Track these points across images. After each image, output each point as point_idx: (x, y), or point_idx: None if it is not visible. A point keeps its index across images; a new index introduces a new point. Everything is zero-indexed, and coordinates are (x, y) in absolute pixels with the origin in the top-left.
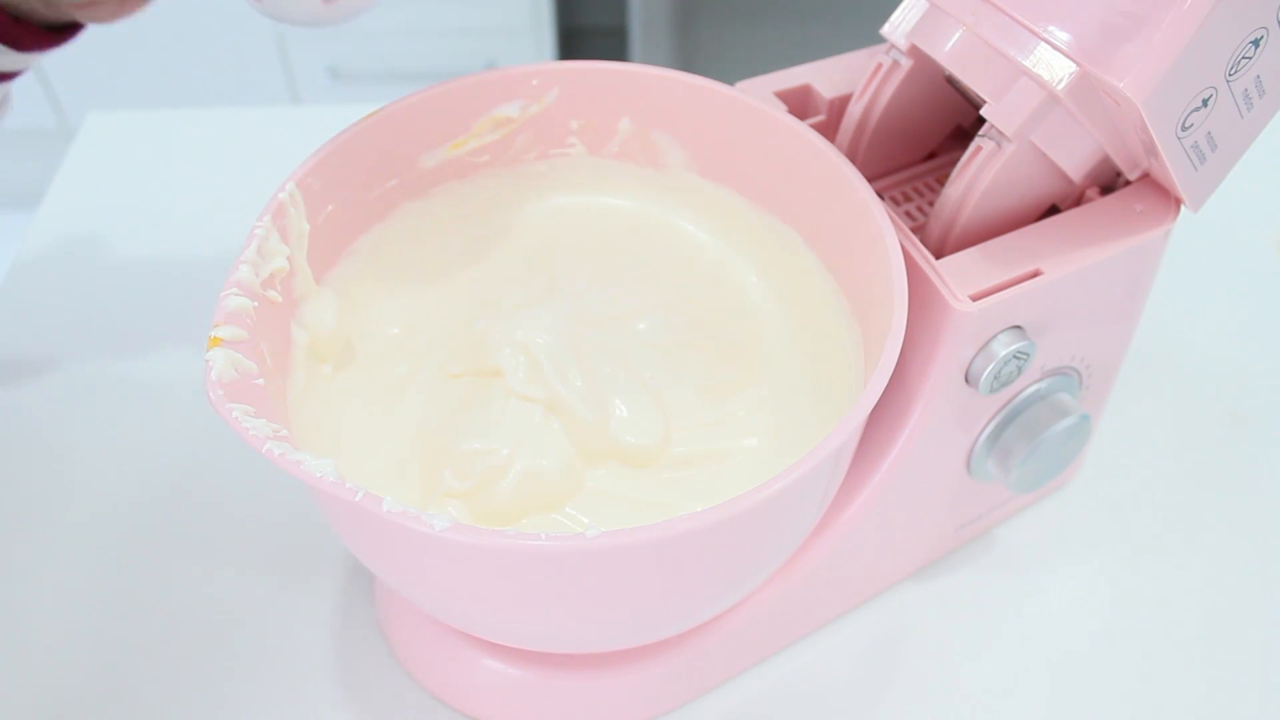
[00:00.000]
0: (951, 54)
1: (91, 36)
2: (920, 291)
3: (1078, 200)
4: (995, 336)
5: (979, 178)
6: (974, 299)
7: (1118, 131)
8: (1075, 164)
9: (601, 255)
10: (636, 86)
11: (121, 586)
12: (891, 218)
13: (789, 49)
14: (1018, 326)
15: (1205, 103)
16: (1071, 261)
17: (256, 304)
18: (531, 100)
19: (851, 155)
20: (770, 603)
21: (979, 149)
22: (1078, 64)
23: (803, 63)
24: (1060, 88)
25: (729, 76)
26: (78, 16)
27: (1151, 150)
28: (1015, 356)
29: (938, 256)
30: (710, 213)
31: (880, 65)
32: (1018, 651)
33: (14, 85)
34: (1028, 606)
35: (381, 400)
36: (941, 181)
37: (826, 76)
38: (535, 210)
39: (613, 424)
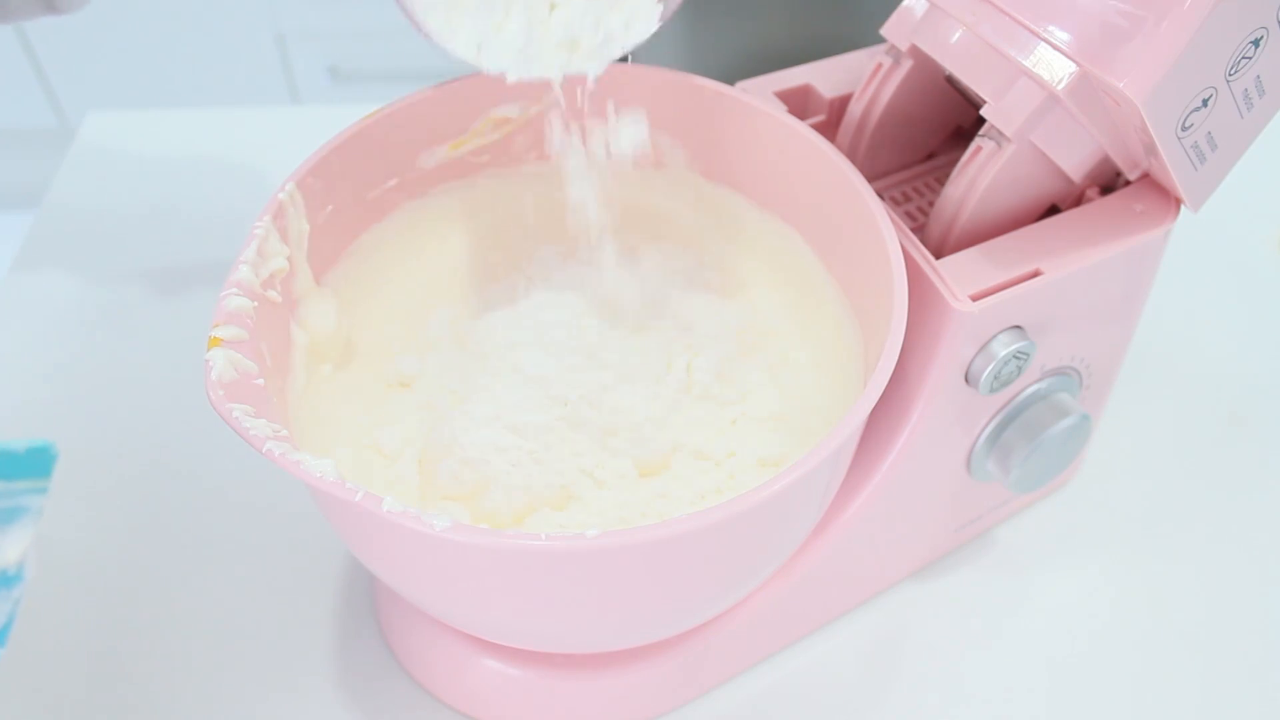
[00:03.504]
0: (951, 54)
1: (91, 36)
2: (920, 291)
3: (1078, 200)
4: (995, 336)
5: (979, 178)
6: (974, 299)
7: (1118, 131)
8: (1075, 164)
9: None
10: (636, 86)
11: (121, 586)
12: (891, 218)
13: (789, 49)
14: (1018, 326)
15: (1205, 103)
16: (1071, 261)
17: (256, 304)
18: (531, 100)
19: (851, 155)
20: (770, 603)
21: (979, 149)
22: (1078, 64)
23: (803, 63)
24: (1060, 88)
25: (729, 76)
26: None
27: (1151, 150)
28: (1015, 356)
29: (938, 256)
30: (710, 212)
31: (880, 65)
32: (1018, 651)
33: (13, 82)
34: (1028, 606)
35: (381, 400)
36: (941, 181)
37: (826, 76)
38: (535, 210)
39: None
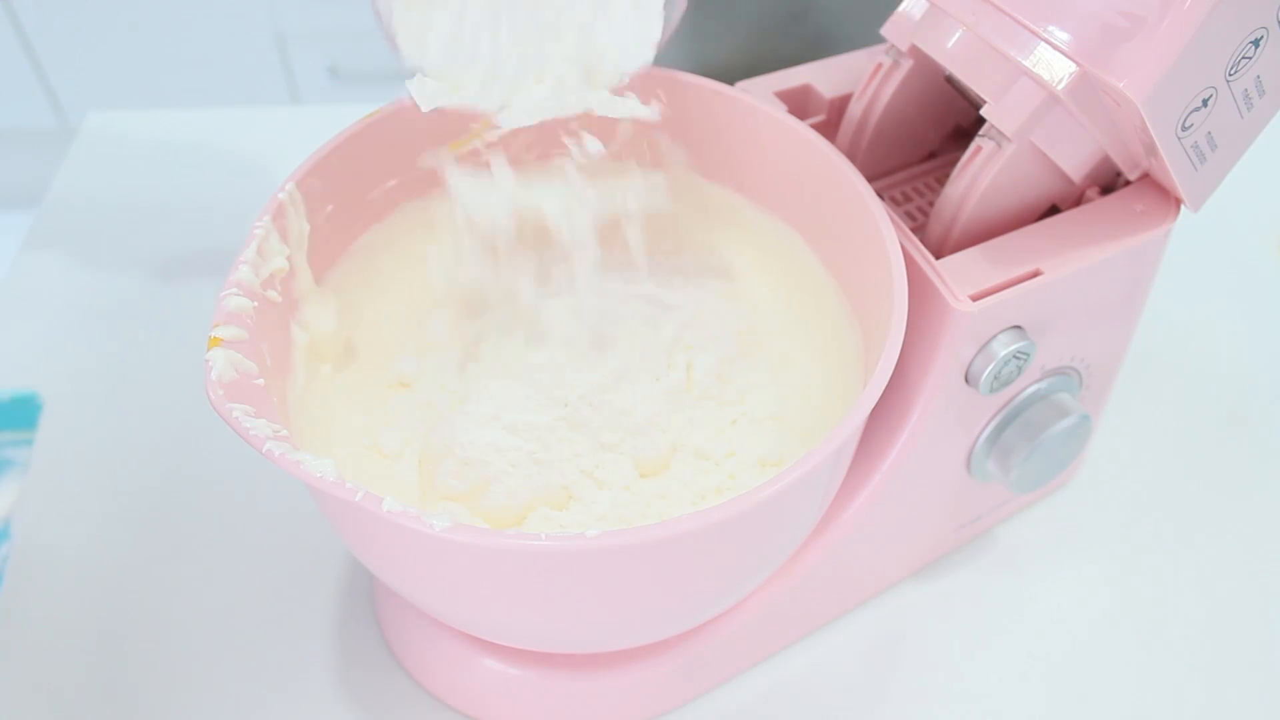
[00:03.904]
0: (951, 54)
1: (91, 36)
2: (920, 291)
3: (1078, 200)
4: (995, 336)
5: (979, 178)
6: (974, 299)
7: (1118, 131)
8: (1075, 164)
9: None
10: (637, 86)
11: (119, 585)
12: (891, 218)
13: (789, 49)
14: (1018, 326)
15: (1205, 103)
16: (1071, 261)
17: (256, 304)
18: None
19: (851, 155)
20: (770, 603)
21: (979, 149)
22: (1078, 64)
23: (803, 63)
24: (1060, 88)
25: (729, 76)
26: None
27: (1151, 150)
28: (1015, 356)
29: (938, 256)
30: (710, 213)
31: (880, 65)
32: (1018, 651)
33: (13, 82)
34: (1028, 606)
35: (381, 400)
36: (941, 181)
37: (826, 76)
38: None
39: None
